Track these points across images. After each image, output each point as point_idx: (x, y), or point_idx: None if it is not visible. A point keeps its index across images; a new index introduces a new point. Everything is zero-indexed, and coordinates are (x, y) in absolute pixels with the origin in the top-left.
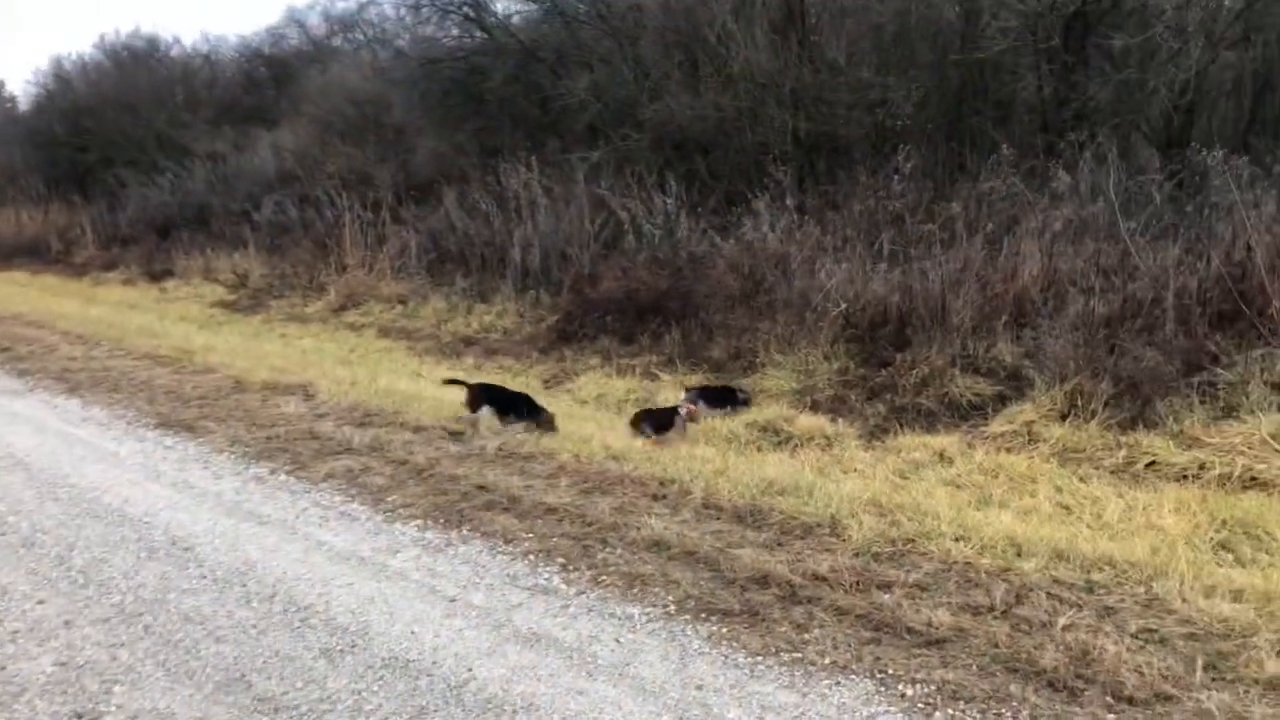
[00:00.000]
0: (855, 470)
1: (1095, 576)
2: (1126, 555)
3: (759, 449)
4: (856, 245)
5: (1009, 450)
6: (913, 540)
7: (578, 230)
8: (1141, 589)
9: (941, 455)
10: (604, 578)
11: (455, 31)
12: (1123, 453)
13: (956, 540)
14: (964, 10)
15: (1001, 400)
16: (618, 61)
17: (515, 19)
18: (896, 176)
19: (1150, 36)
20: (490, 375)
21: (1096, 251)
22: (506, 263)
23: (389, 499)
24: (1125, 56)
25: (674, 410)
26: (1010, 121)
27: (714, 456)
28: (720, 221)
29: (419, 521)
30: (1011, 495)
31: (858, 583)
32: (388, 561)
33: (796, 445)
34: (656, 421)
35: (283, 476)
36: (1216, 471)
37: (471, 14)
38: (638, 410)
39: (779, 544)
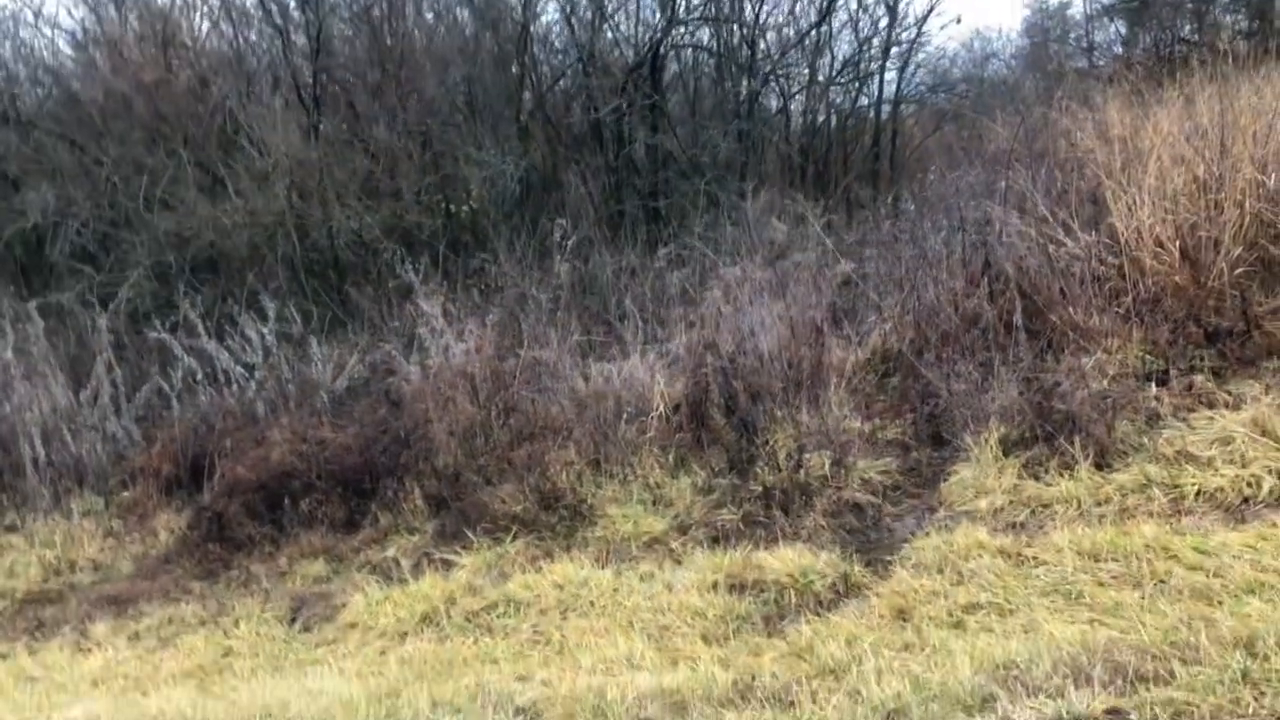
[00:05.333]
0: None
1: None
2: None
3: (766, 630)
4: (568, 337)
5: (1040, 526)
6: None
7: (109, 393)
8: None
9: (998, 551)
10: None
11: None
12: (1156, 491)
13: None
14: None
15: (913, 474)
16: (92, 168)
17: None
18: (559, 256)
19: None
20: (184, 644)
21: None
22: (18, 463)
23: None
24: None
25: None
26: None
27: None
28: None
29: None
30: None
31: None
32: None
33: (804, 608)
34: None
35: None
36: (1267, 486)
37: None
38: None
39: None
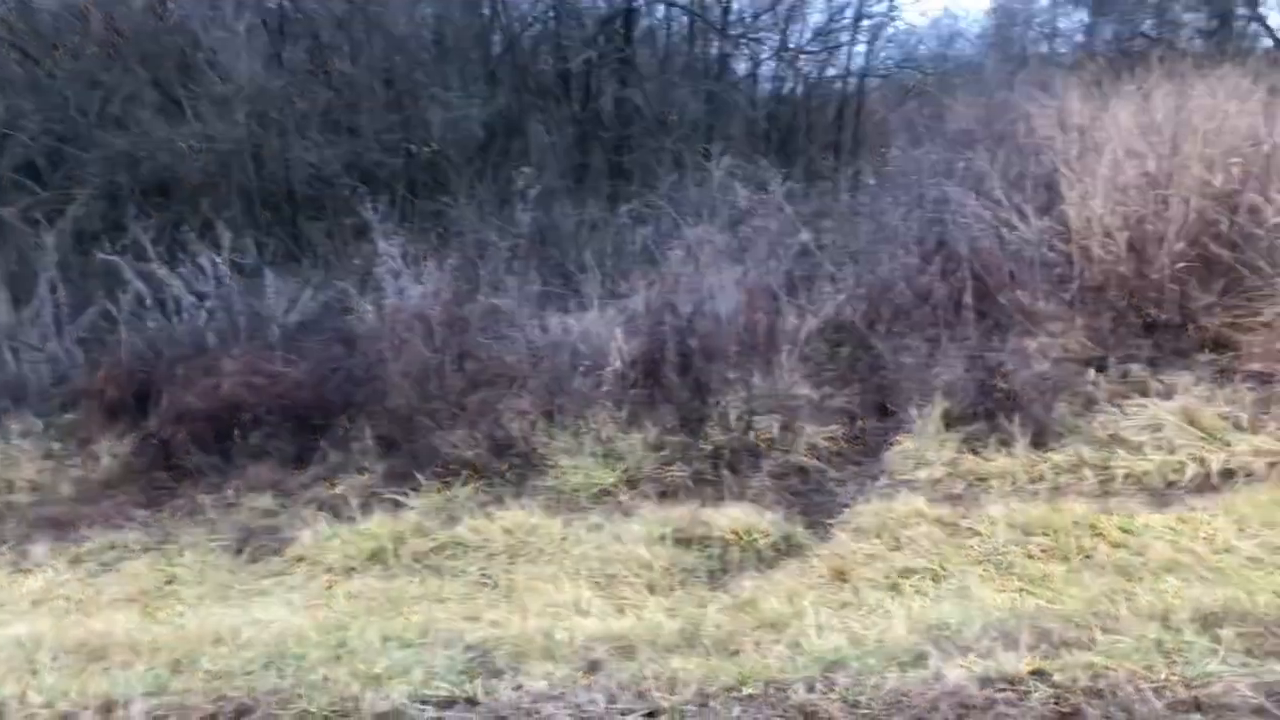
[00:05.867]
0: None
1: None
2: None
3: (710, 583)
4: (526, 286)
5: (976, 499)
6: None
7: (52, 313)
8: None
9: (935, 520)
10: None
11: None
12: (1087, 472)
13: None
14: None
15: (858, 442)
16: (43, 80)
17: None
18: (521, 204)
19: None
20: (128, 569)
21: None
22: None
23: None
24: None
25: None
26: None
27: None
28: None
29: None
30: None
31: None
32: None
33: (747, 564)
34: None
35: None
36: (1190, 472)
37: None
38: None
39: None
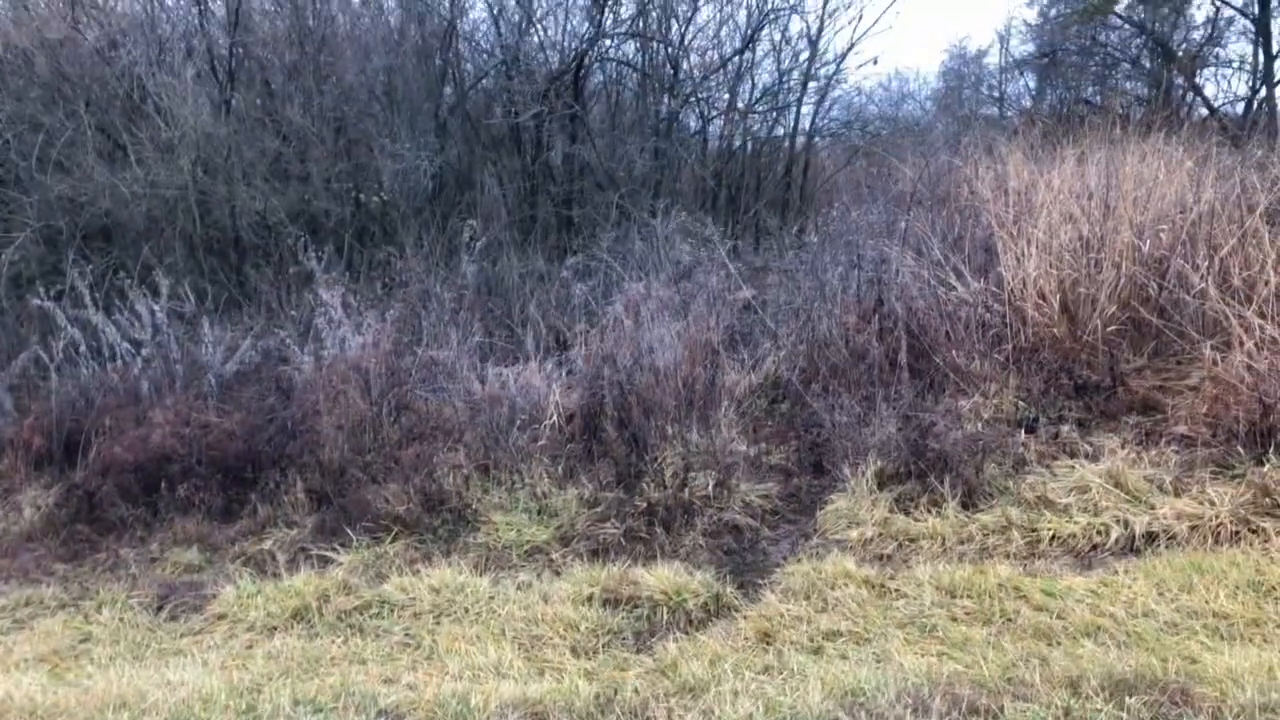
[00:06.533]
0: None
1: None
2: None
3: (636, 646)
4: (468, 338)
5: (905, 560)
6: None
7: None
8: None
9: (863, 581)
10: None
11: None
12: (1015, 534)
13: None
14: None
15: (792, 500)
16: None
17: None
18: (467, 256)
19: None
20: (41, 627)
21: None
22: None
23: None
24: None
25: None
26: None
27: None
28: (248, 327)
29: None
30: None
31: None
32: None
33: (674, 626)
34: None
35: None
36: (1115, 535)
37: None
38: None
39: None
